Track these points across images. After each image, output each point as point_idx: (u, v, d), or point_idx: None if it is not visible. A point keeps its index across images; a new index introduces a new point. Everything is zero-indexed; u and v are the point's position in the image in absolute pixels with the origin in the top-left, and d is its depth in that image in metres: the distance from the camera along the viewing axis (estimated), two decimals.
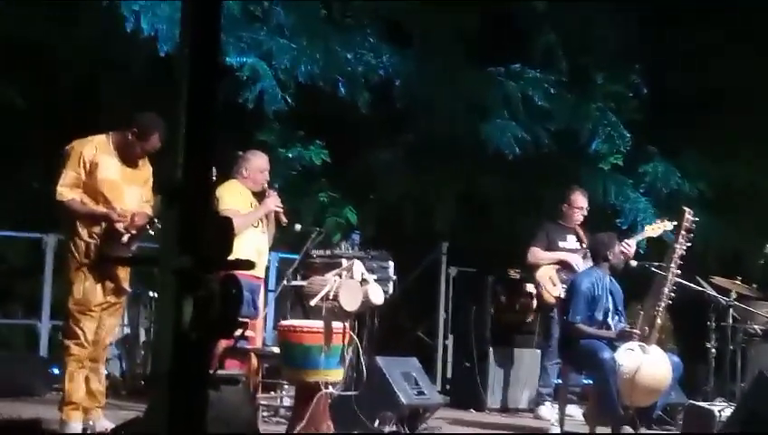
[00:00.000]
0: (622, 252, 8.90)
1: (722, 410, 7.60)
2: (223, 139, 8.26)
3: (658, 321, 8.34)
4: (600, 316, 8.53)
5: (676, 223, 9.84)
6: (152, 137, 6.86)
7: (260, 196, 8.24)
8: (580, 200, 9.88)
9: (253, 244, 7.93)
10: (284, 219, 8.26)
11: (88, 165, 6.82)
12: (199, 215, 2.89)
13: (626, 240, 9.23)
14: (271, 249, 8.81)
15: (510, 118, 11.47)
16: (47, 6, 10.48)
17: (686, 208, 8.70)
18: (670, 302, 8.46)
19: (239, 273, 3.08)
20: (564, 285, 9.30)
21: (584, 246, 9.73)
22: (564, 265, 9.66)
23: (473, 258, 11.34)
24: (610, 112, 11.80)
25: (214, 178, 6.32)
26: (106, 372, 8.91)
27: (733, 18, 11.45)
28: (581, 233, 9.84)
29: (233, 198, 8.00)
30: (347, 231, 11.03)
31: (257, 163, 8.26)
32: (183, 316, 2.83)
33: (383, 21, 11.25)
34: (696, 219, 8.59)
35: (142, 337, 9.94)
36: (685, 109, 11.70)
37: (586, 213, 9.89)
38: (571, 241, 9.82)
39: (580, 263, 9.59)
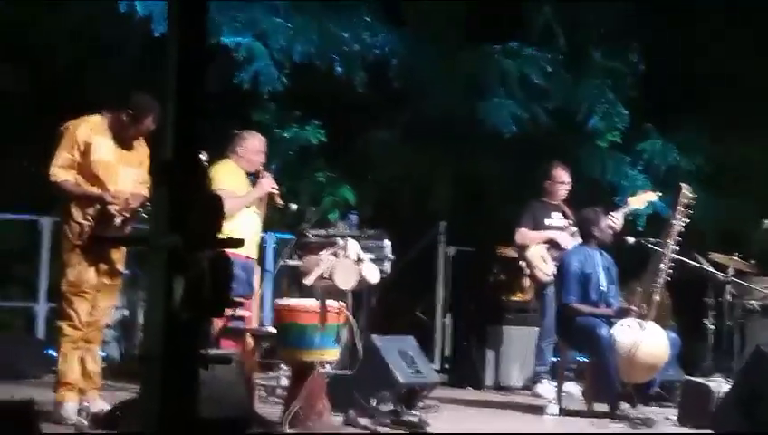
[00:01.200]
0: (609, 226, 8.90)
1: (719, 386, 7.59)
2: (219, 120, 8.22)
3: (656, 298, 8.34)
4: (593, 295, 8.52)
5: (660, 193, 9.89)
6: (147, 118, 6.83)
7: (255, 177, 8.22)
8: (562, 175, 9.87)
9: (245, 224, 7.93)
10: (280, 201, 8.25)
11: (82, 146, 6.78)
12: (189, 194, 2.89)
13: (612, 213, 9.23)
14: (267, 229, 8.80)
15: (507, 96, 11.43)
16: None
17: (683, 184, 8.69)
18: (668, 278, 8.47)
19: (233, 252, 3.07)
20: (556, 262, 9.31)
21: (571, 222, 9.73)
22: (553, 244, 9.67)
23: (471, 237, 11.34)
24: (608, 90, 11.75)
25: (206, 163, 6.28)
26: (104, 355, 8.94)
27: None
28: (567, 210, 9.84)
29: (227, 178, 7.98)
30: (344, 211, 11.01)
31: (253, 143, 8.25)
32: (174, 296, 2.82)
33: None
34: (695, 195, 8.58)
35: (140, 319, 9.93)
36: (682, 85, 11.67)
37: (569, 187, 9.88)
38: (557, 218, 9.81)
39: (567, 240, 9.58)
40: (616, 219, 9.21)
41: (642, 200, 9.99)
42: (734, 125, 11.54)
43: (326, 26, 10.78)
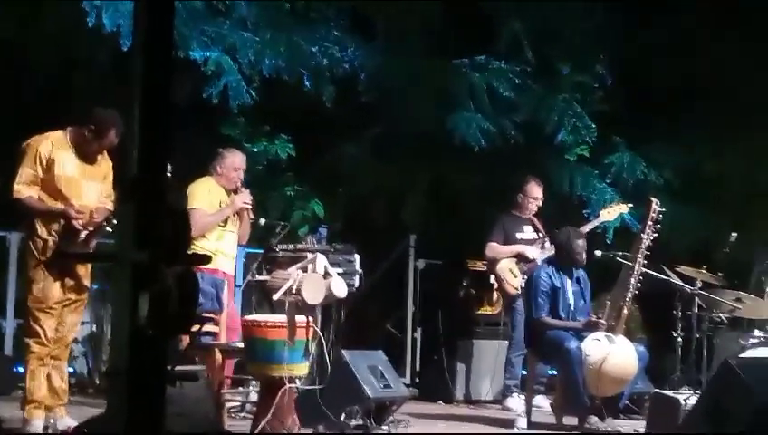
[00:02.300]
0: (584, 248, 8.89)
1: (687, 398, 7.61)
2: (188, 134, 8.17)
3: (625, 311, 8.36)
4: (562, 311, 8.53)
5: (631, 205, 9.93)
6: (109, 133, 6.81)
7: (235, 194, 8.29)
8: (536, 190, 9.87)
9: (219, 240, 7.98)
10: (252, 216, 8.31)
11: (45, 161, 6.77)
12: (155, 209, 2.87)
13: (581, 229, 9.26)
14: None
15: (475, 110, 11.45)
16: (8, 2, 10.39)
17: (652, 199, 8.71)
18: (637, 292, 8.49)
19: (204, 268, 3.06)
20: (525, 276, 9.32)
21: (541, 235, 9.75)
22: (522, 257, 9.67)
23: (441, 251, 11.33)
24: (576, 103, 11.78)
25: (169, 174, 6.31)
26: (72, 370, 8.89)
27: (701, 7, 11.47)
28: (538, 223, 9.85)
29: (202, 196, 8.08)
30: (314, 225, 10.99)
31: (231, 161, 8.35)
32: (139, 312, 2.80)
33: (347, 14, 11.21)
34: (663, 209, 8.60)
35: (108, 335, 9.88)
36: (650, 99, 11.72)
37: (540, 203, 9.89)
38: (528, 232, 9.83)
39: (536, 254, 9.60)
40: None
41: (614, 213, 10.05)
42: (702, 138, 11.61)
43: (294, 40, 10.77)
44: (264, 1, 10.95)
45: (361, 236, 10.28)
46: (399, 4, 11.38)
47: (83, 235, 6.73)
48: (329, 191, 11.91)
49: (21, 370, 8.11)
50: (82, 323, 8.41)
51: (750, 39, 11.21)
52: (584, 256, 8.76)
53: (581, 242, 8.72)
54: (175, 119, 2.91)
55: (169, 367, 2.95)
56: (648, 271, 8.66)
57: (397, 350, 10.94)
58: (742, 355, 8.61)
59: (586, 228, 9.49)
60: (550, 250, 9.43)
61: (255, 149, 11.12)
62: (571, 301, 8.60)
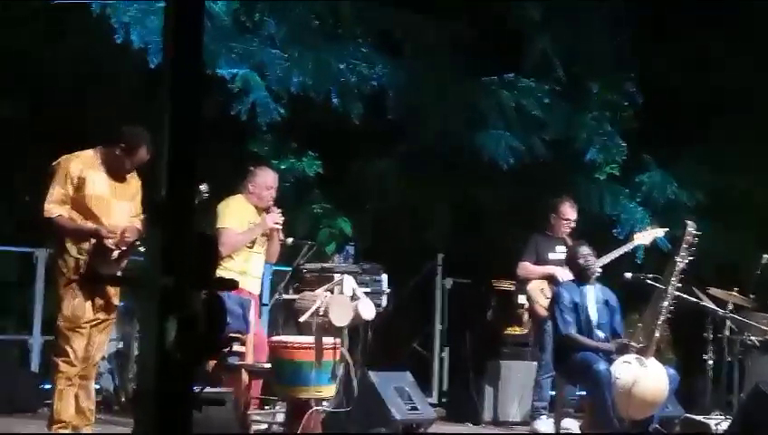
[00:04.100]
0: (589, 255, 8.77)
1: (718, 423, 7.52)
2: (216, 152, 8.15)
3: (657, 334, 8.25)
4: (584, 326, 8.43)
5: (667, 229, 9.80)
6: (140, 151, 6.81)
7: (267, 212, 8.24)
8: (569, 212, 9.78)
9: (245, 261, 7.92)
10: (282, 237, 8.23)
11: (75, 180, 6.76)
12: (183, 233, 2.84)
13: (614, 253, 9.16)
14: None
15: (504, 128, 11.38)
16: (35, 18, 10.41)
17: (688, 222, 8.59)
18: (670, 316, 8.37)
19: None
20: None
21: None
22: (553, 279, 9.56)
23: (468, 270, 11.26)
24: (606, 122, 11.70)
25: (206, 194, 6.24)
26: (98, 387, 8.86)
27: (732, 26, 11.40)
28: (571, 243, 9.75)
29: (232, 215, 7.99)
30: (341, 243, 10.94)
31: (263, 179, 8.29)
32: (167, 336, 2.77)
33: (376, 31, 11.17)
34: (699, 232, 8.47)
35: (135, 352, 9.85)
36: (681, 118, 11.63)
37: (574, 225, 9.80)
38: (560, 252, 9.71)
39: (567, 275, 9.49)
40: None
41: (649, 237, 9.90)
42: (733, 157, 11.51)
43: (322, 58, 10.73)
44: (293, 18, 10.91)
45: (389, 253, 10.23)
46: (428, 21, 11.33)
47: (115, 254, 6.71)
48: (356, 209, 11.86)
49: (47, 387, 8.09)
50: (109, 340, 8.37)
51: None
52: (592, 263, 8.64)
53: (585, 250, 8.62)
54: (204, 138, 2.87)
55: (196, 389, 2.92)
56: (680, 293, 8.56)
57: (424, 369, 10.88)
58: None
59: (620, 252, 9.40)
60: None
61: (283, 167, 11.08)
62: (594, 316, 8.49)
